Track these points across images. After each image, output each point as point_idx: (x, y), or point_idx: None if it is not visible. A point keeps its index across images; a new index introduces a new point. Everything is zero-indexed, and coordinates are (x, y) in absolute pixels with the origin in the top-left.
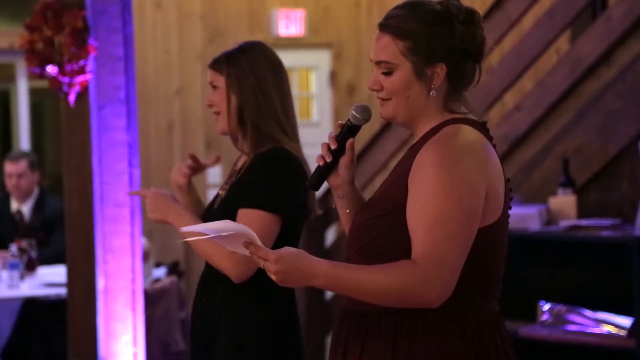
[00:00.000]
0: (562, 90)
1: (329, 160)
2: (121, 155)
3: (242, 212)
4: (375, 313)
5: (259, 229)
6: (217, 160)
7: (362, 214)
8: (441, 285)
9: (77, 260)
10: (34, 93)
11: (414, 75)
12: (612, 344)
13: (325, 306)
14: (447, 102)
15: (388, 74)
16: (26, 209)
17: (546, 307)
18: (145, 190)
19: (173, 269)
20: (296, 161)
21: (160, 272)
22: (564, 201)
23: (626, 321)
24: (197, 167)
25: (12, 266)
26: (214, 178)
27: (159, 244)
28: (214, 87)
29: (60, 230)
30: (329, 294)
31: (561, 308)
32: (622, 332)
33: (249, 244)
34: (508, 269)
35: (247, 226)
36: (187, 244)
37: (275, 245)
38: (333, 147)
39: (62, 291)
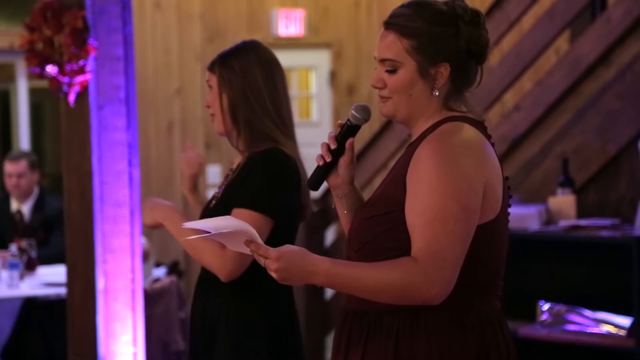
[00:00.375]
0: (561, 90)
1: (328, 160)
2: (121, 155)
3: (235, 212)
4: (377, 312)
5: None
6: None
7: (362, 213)
8: (442, 282)
9: (77, 260)
10: (33, 93)
11: (418, 74)
12: (612, 344)
13: (324, 306)
14: (447, 101)
15: (392, 72)
16: (26, 208)
17: (546, 307)
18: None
19: (173, 269)
20: (291, 162)
21: (160, 271)
22: (563, 201)
23: (625, 321)
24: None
25: (12, 266)
26: (214, 178)
27: (159, 244)
28: (210, 87)
29: (60, 230)
30: (328, 294)
31: (561, 308)
32: (622, 332)
33: (249, 242)
34: (507, 269)
35: None
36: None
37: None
38: (333, 146)
39: (62, 291)
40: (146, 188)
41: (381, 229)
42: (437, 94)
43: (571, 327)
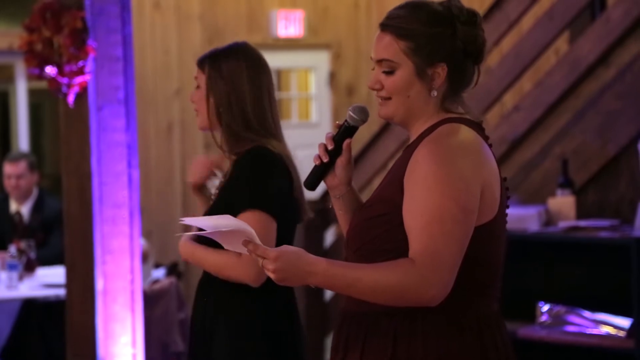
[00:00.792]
0: (561, 90)
1: (325, 160)
2: (120, 156)
3: (241, 217)
4: (375, 313)
5: (259, 231)
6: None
7: (360, 214)
8: (439, 283)
9: (76, 261)
10: (33, 94)
11: (415, 75)
12: (611, 345)
13: (324, 307)
14: (445, 102)
15: (389, 73)
16: (25, 209)
17: (545, 308)
18: None
19: (172, 270)
20: (276, 157)
21: (159, 273)
22: (562, 202)
23: (625, 322)
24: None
25: (11, 267)
26: (214, 180)
27: (158, 245)
28: (197, 85)
29: (59, 231)
30: (328, 295)
31: (560, 309)
32: (621, 333)
33: (247, 242)
34: (507, 270)
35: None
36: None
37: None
38: (330, 147)
39: (61, 292)
40: (146, 189)
41: (379, 231)
42: (435, 94)
43: (570, 328)
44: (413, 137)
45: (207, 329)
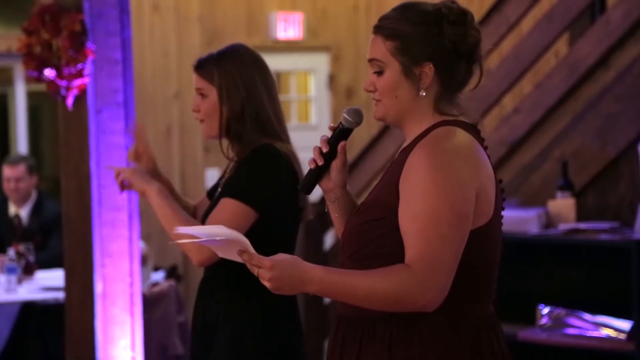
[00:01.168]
0: (560, 93)
1: (320, 163)
2: (119, 159)
3: (221, 201)
4: (371, 318)
5: (230, 217)
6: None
7: (355, 218)
8: (435, 288)
9: (75, 264)
10: (31, 96)
11: (402, 74)
12: (611, 348)
13: (323, 310)
14: (438, 103)
15: (379, 73)
16: (24, 212)
17: (545, 310)
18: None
19: (171, 273)
20: (282, 157)
21: (158, 275)
22: (562, 204)
23: (625, 324)
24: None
25: (10, 270)
26: (212, 181)
27: (157, 248)
28: (202, 95)
29: (58, 234)
30: (327, 299)
31: (560, 311)
32: (621, 336)
33: (242, 251)
34: (507, 273)
35: (221, 213)
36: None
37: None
38: (325, 150)
39: (60, 295)
40: None
41: (374, 235)
42: (423, 94)
43: (571, 331)
44: (408, 140)
45: (208, 329)
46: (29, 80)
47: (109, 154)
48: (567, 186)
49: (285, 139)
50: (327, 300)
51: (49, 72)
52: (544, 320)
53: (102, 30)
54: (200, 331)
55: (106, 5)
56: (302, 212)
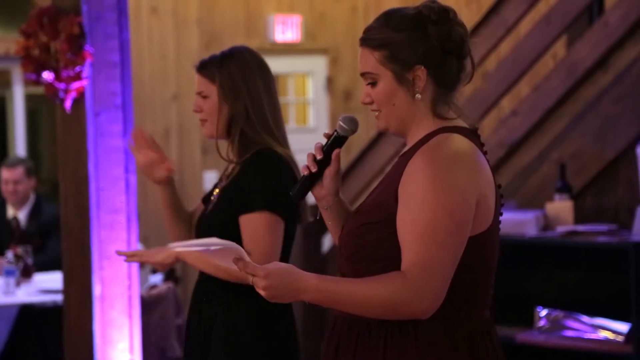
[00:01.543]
0: (558, 95)
1: (314, 170)
2: (117, 161)
3: (243, 219)
4: (365, 321)
5: (268, 229)
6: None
7: (353, 220)
8: (431, 295)
9: (73, 267)
10: (30, 99)
11: (396, 82)
12: (609, 350)
13: (321, 313)
14: (435, 105)
15: (373, 84)
16: (22, 215)
17: (543, 312)
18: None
19: (169, 275)
20: (282, 160)
21: (156, 278)
22: (560, 206)
23: (623, 327)
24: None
25: (8, 273)
26: (211, 184)
27: None
28: (204, 96)
29: (56, 236)
30: None
31: (558, 314)
32: (619, 338)
33: (237, 260)
34: (505, 275)
35: (256, 232)
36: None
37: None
38: (319, 157)
39: (58, 298)
40: (143, 194)
41: (372, 238)
42: (419, 97)
43: (569, 333)
44: (409, 145)
45: (204, 331)
46: (27, 82)
47: (107, 157)
48: (565, 188)
49: (284, 144)
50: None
51: (47, 75)
52: (542, 323)
53: (101, 33)
54: (196, 332)
55: (104, 8)
56: (301, 215)
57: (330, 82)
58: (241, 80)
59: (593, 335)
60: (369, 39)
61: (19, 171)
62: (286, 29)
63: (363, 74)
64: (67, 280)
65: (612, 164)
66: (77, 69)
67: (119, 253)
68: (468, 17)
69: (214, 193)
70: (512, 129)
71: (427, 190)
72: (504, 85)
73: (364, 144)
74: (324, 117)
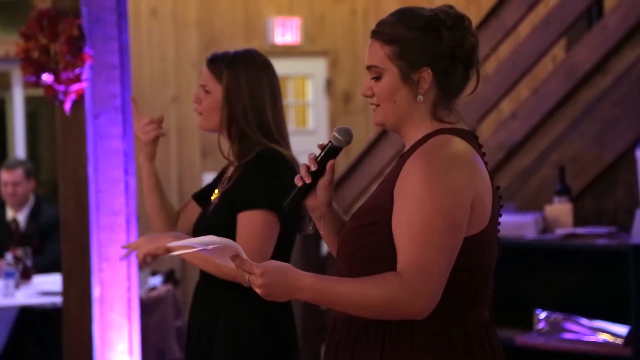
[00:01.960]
0: (557, 98)
1: (308, 181)
2: (117, 163)
3: (241, 216)
4: (363, 322)
5: (262, 228)
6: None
7: (351, 221)
8: (426, 296)
9: (73, 269)
10: (29, 101)
11: (400, 80)
12: (609, 352)
13: (320, 315)
14: (436, 109)
15: (377, 79)
16: (22, 217)
17: (542, 315)
18: (137, 241)
19: (169, 278)
20: (288, 163)
21: (156, 280)
22: (559, 209)
23: (622, 329)
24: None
25: (8, 275)
26: None
27: None
28: (207, 90)
29: (55, 238)
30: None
31: (557, 316)
32: (619, 341)
33: (235, 257)
34: (504, 277)
35: (252, 228)
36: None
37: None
38: (313, 168)
39: (58, 300)
40: (142, 197)
41: (370, 238)
42: (421, 99)
43: (568, 336)
44: (407, 146)
45: (206, 332)
46: (26, 85)
47: (106, 159)
48: (564, 191)
49: (285, 146)
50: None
51: (46, 77)
52: (541, 325)
53: (100, 35)
54: (197, 334)
55: (104, 10)
56: (301, 220)
57: (329, 84)
58: (246, 84)
59: (592, 338)
60: (381, 32)
61: (18, 173)
62: (286, 32)
63: (369, 67)
64: (66, 282)
65: (611, 166)
66: (77, 71)
67: (125, 247)
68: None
69: (214, 195)
70: (511, 131)
71: (422, 191)
72: (503, 88)
73: (363, 147)
74: (324, 119)
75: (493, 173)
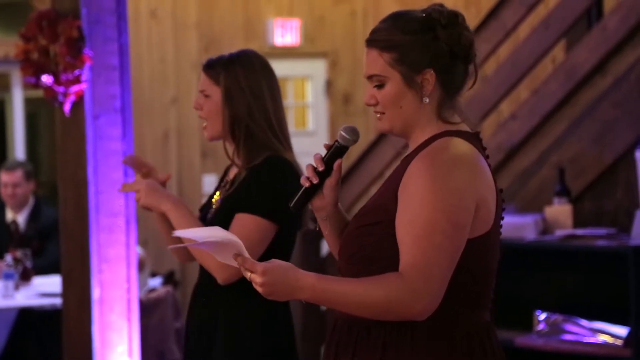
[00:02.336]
0: (557, 99)
1: (315, 182)
2: (116, 165)
3: (238, 217)
4: (364, 322)
5: (253, 233)
6: (167, 178)
7: (353, 222)
8: (428, 297)
9: (72, 270)
10: (29, 102)
11: (404, 85)
12: (608, 354)
13: (320, 316)
14: (440, 109)
15: (380, 87)
16: (21, 218)
17: (542, 316)
18: (138, 182)
19: (168, 279)
20: (292, 168)
21: (155, 281)
22: (559, 210)
23: (622, 331)
24: (148, 172)
25: (7, 276)
26: (210, 187)
27: (155, 254)
28: (206, 95)
29: (55, 239)
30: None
31: (557, 317)
32: (618, 342)
33: (237, 255)
34: (504, 279)
35: (242, 230)
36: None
37: (270, 253)
38: (321, 168)
39: (57, 301)
40: None
41: (372, 239)
42: (427, 101)
43: (568, 337)
44: (411, 148)
45: (204, 331)
46: (26, 86)
47: (106, 160)
48: (564, 192)
49: (288, 147)
50: (323, 306)
51: (46, 78)
52: (541, 327)
53: (100, 37)
54: (196, 334)
55: (103, 12)
56: (302, 221)
57: (329, 85)
58: (246, 83)
59: (592, 339)
60: (377, 40)
61: (18, 174)
62: (285, 33)
63: (370, 77)
64: (66, 284)
65: (611, 167)
66: (77, 72)
67: (124, 186)
68: (467, 20)
69: (214, 199)
70: (511, 132)
71: (425, 192)
72: (503, 89)
73: (363, 148)
74: (324, 120)
75: (493, 174)
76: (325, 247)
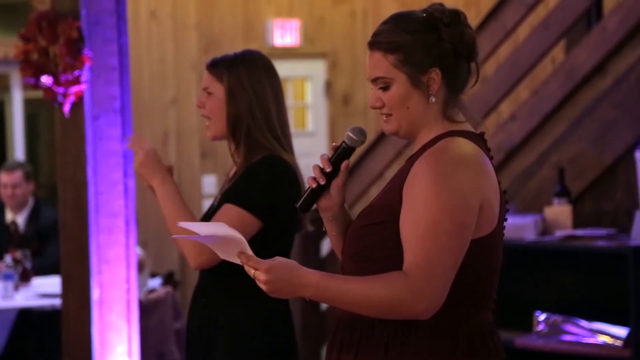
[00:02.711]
0: (557, 99)
1: (323, 182)
2: (116, 165)
3: (224, 206)
4: (369, 321)
5: (234, 224)
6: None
7: (357, 221)
8: (431, 297)
9: (72, 271)
10: (28, 103)
11: (410, 85)
12: (608, 354)
13: (320, 316)
14: (446, 108)
15: (386, 89)
16: (21, 219)
17: (542, 317)
18: (143, 143)
19: (168, 280)
20: (289, 169)
21: (155, 282)
22: (559, 211)
23: (622, 331)
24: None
25: (7, 277)
26: (210, 188)
27: (154, 254)
28: (209, 92)
29: (55, 240)
30: (324, 304)
31: (557, 318)
32: (618, 343)
33: (241, 252)
34: (504, 279)
35: (223, 219)
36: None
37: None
38: (328, 169)
39: (57, 302)
40: (141, 198)
41: (375, 238)
42: (433, 100)
43: (567, 338)
44: (417, 147)
45: (205, 331)
46: (26, 87)
47: (106, 161)
48: (564, 192)
49: (289, 149)
50: (324, 306)
51: (46, 79)
52: (540, 327)
53: (99, 37)
54: (197, 335)
55: (103, 12)
56: (301, 222)
57: (329, 86)
58: (248, 83)
59: (592, 340)
60: (380, 42)
61: (17, 175)
62: (285, 33)
63: (375, 79)
64: (65, 284)
65: (610, 168)
66: (76, 73)
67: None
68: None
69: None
70: (511, 133)
71: (430, 192)
72: (502, 90)
73: (363, 148)
74: (323, 121)
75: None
76: (325, 248)
